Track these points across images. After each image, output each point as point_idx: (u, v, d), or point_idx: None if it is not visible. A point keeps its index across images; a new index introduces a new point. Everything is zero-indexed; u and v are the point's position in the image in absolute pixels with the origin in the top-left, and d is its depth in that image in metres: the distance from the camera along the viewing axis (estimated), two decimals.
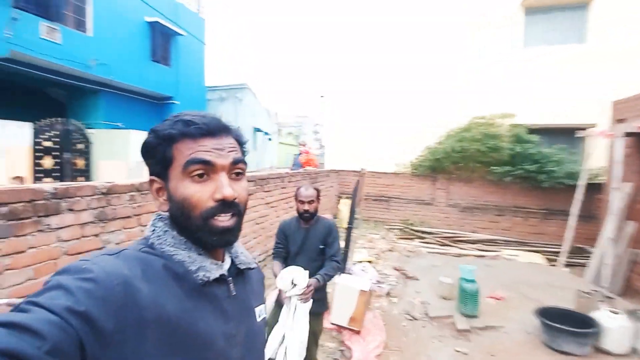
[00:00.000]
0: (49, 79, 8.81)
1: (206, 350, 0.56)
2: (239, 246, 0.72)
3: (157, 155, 0.60)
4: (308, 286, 1.92)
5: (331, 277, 2.18)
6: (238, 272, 0.69)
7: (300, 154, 8.07)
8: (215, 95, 14.90)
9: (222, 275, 0.62)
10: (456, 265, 4.78)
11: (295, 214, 2.34)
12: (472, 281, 3.70)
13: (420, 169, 8.82)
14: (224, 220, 0.59)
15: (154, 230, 0.61)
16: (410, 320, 3.71)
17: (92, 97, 10.08)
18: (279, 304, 2.11)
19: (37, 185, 1.97)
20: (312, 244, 2.25)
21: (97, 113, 10.04)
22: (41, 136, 7.65)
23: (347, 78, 10.18)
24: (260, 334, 0.73)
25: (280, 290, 1.97)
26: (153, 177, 0.62)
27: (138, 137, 8.88)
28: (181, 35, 12.09)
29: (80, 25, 9.08)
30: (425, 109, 9.35)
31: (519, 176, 7.43)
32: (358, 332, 3.25)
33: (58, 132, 8.09)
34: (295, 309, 1.91)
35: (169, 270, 0.56)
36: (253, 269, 0.74)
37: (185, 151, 0.58)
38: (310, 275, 2.10)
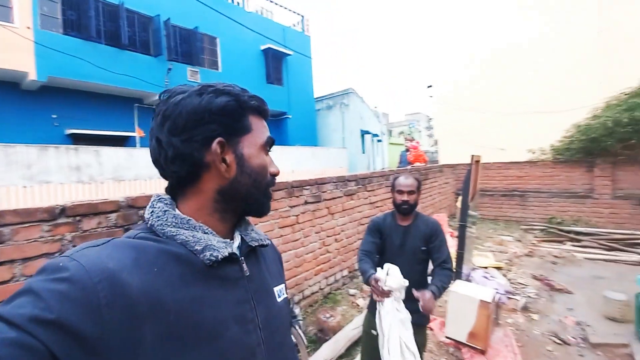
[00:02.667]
0: None
1: (218, 339, 0.50)
2: (250, 223, 0.67)
3: (233, 120, 0.57)
4: (425, 300, 1.59)
5: (447, 288, 1.79)
6: (250, 251, 0.62)
7: (407, 150, 7.53)
8: (323, 104, 15.67)
9: (232, 254, 0.55)
10: (631, 276, 3.50)
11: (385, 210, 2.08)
12: None
13: (568, 153, 7.06)
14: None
15: (152, 211, 0.55)
16: (560, 344, 2.87)
17: None
18: (372, 310, 1.88)
19: None
20: (413, 245, 1.91)
21: None
22: None
23: (456, 57, 9.11)
24: (282, 316, 0.65)
25: (375, 289, 1.65)
26: (222, 139, 0.55)
27: None
28: (290, 55, 13.26)
29: (213, 64, 11.09)
30: (564, 77, 7.46)
31: None
32: (483, 352, 2.70)
33: None
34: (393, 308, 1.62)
35: (167, 254, 0.50)
36: (266, 245, 0.67)
37: (259, 126, 0.61)
38: (412, 283, 1.75)
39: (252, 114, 0.60)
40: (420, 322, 1.95)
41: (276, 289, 0.65)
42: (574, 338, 2.92)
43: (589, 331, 2.97)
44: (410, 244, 1.92)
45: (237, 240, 0.61)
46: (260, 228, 2.95)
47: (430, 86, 11.61)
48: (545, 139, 7.45)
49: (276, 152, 11.16)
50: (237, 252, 0.58)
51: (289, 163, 10.94)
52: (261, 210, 0.62)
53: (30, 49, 7.04)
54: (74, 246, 1.81)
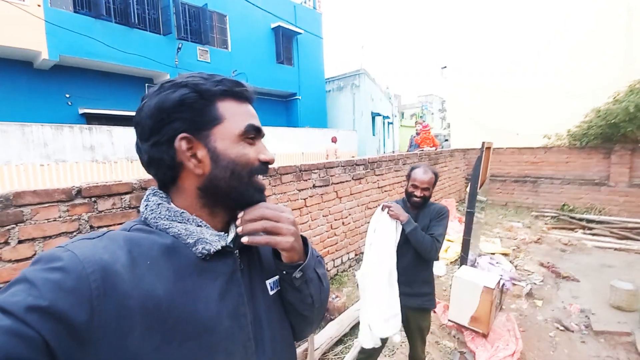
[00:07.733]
0: None
1: (208, 334, 0.49)
2: None
3: (195, 113, 0.54)
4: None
5: (419, 240, 1.80)
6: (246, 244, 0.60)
7: (417, 133, 7.42)
8: (333, 85, 15.41)
9: (226, 247, 0.55)
10: None
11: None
12: None
13: (585, 139, 6.83)
14: (262, 179, 0.61)
15: (147, 205, 0.56)
16: (562, 331, 2.91)
17: None
18: None
19: None
20: (421, 228, 1.92)
21: None
22: None
23: (472, 38, 8.76)
24: (275, 309, 0.64)
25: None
26: (186, 135, 0.53)
27: (271, 132, 10.13)
28: (300, 33, 12.94)
29: (223, 43, 10.92)
30: (585, 59, 7.12)
31: None
32: (484, 336, 2.76)
33: None
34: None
35: (161, 247, 0.50)
36: None
37: (236, 112, 0.57)
38: (418, 269, 1.93)
39: (224, 99, 0.56)
40: (426, 306, 1.99)
41: (268, 282, 0.64)
42: (577, 325, 2.95)
43: (593, 319, 2.99)
44: None
45: (232, 234, 0.59)
46: None
47: (445, 67, 11.26)
48: (563, 124, 7.22)
49: (285, 133, 11.08)
50: (232, 245, 0.57)
51: (298, 145, 10.92)
52: (250, 202, 0.58)
53: (42, 27, 7.06)
54: (91, 226, 1.89)
